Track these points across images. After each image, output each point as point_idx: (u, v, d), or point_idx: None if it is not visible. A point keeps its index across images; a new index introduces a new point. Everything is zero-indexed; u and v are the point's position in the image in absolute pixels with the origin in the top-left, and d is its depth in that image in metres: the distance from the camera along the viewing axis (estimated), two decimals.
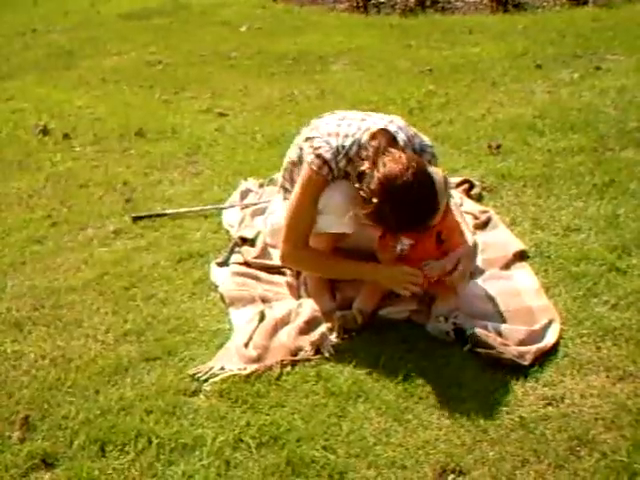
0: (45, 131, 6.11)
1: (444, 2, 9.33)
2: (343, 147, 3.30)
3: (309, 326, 3.31)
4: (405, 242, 3.29)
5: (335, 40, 8.38)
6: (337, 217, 3.30)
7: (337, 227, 3.33)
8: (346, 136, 3.32)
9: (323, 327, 3.28)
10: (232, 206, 4.44)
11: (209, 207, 4.50)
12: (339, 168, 3.31)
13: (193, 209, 4.50)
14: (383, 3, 9.56)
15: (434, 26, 8.70)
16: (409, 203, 3.06)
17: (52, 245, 4.27)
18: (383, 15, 9.36)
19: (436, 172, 3.22)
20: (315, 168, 3.30)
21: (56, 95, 7.24)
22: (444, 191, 3.23)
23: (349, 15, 9.54)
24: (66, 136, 5.99)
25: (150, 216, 4.47)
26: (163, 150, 5.58)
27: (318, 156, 3.30)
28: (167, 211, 4.51)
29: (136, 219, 4.45)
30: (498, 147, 5.05)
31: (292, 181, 3.54)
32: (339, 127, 3.37)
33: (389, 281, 3.35)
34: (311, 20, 9.41)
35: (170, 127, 6.05)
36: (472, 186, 4.45)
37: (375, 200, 3.06)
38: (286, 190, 3.60)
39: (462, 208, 4.14)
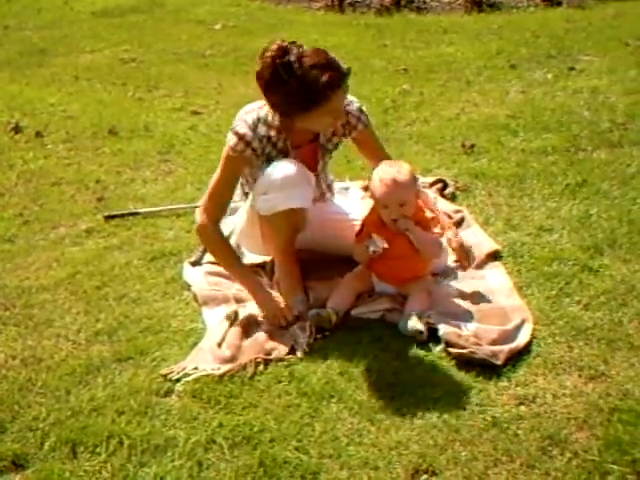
0: (17, 129, 6.05)
1: (419, 2, 9.34)
2: (259, 119, 3.39)
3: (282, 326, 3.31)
4: (378, 243, 3.29)
5: (310, 38, 8.32)
6: (283, 194, 3.30)
7: (286, 203, 3.33)
8: (261, 108, 3.41)
9: (296, 327, 3.28)
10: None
11: (182, 206, 4.48)
12: (260, 137, 3.36)
13: (166, 208, 4.48)
14: (359, 2, 9.55)
15: (409, 26, 8.71)
16: (310, 63, 3.21)
17: (23, 244, 4.23)
18: (358, 14, 9.36)
19: (403, 165, 3.36)
20: (232, 145, 3.37)
21: (28, 93, 7.17)
22: (414, 181, 3.33)
23: (324, 14, 9.53)
24: (38, 134, 5.94)
25: (122, 215, 4.44)
26: (136, 148, 5.55)
27: (235, 133, 3.36)
28: (139, 210, 4.49)
29: (108, 218, 4.42)
30: (472, 147, 5.07)
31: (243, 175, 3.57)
32: (255, 104, 3.46)
33: (261, 308, 3.40)
34: (286, 18, 9.39)
35: (143, 125, 6.01)
36: (446, 186, 4.46)
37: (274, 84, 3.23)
38: (241, 184, 3.62)
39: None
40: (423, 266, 3.45)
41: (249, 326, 3.29)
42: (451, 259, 3.68)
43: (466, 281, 3.55)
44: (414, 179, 3.38)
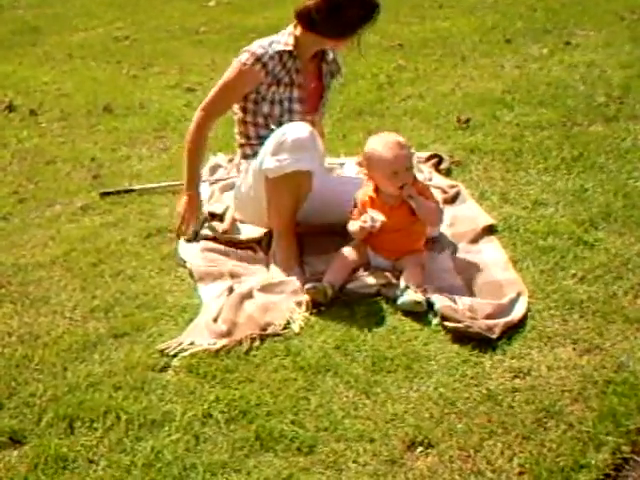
0: (11, 108, 6.04)
1: None
2: (272, 41, 3.62)
3: (278, 300, 3.30)
4: (376, 218, 3.30)
5: None
6: (293, 155, 3.36)
7: (295, 165, 3.38)
8: (270, 37, 3.66)
9: (292, 301, 3.28)
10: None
11: (177, 183, 4.46)
12: (273, 53, 3.57)
13: (161, 184, 4.47)
14: None
15: (404, 0, 8.66)
16: None
17: (19, 222, 4.23)
18: None
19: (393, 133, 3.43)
20: (243, 60, 3.58)
21: (22, 71, 7.15)
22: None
23: None
24: (32, 112, 5.93)
25: (118, 192, 4.44)
26: (131, 126, 5.54)
27: (247, 50, 3.59)
28: (135, 187, 4.49)
29: (104, 195, 4.42)
30: (467, 121, 5.06)
31: (243, 135, 3.73)
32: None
33: (178, 204, 3.77)
34: None
35: (138, 103, 6.00)
36: (441, 160, 4.46)
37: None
38: (242, 146, 3.75)
39: (431, 182, 4.14)
40: (418, 238, 3.46)
41: (245, 301, 3.29)
42: (449, 232, 3.69)
43: (461, 255, 3.56)
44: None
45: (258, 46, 3.58)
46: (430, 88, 5.84)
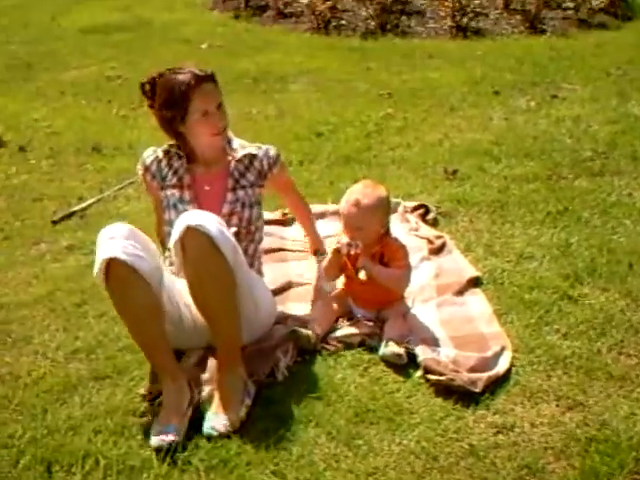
0: (0, 143, 6.03)
1: (405, 26, 9.37)
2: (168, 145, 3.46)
3: (264, 348, 3.28)
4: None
5: (295, 60, 8.38)
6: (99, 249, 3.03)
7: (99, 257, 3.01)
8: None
9: (278, 350, 3.25)
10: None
11: (116, 188, 4.98)
12: (159, 154, 3.42)
13: (103, 195, 4.95)
14: (344, 25, 9.58)
15: (394, 50, 8.74)
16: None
17: (3, 259, 4.21)
18: (344, 37, 9.38)
19: (377, 189, 3.37)
20: (138, 171, 3.50)
21: (13, 107, 7.15)
22: (380, 208, 3.33)
23: (310, 36, 9.54)
24: (22, 149, 5.92)
25: (68, 216, 4.69)
26: (119, 166, 5.53)
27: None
28: (77, 207, 4.80)
29: (55, 223, 4.63)
30: (454, 172, 5.08)
31: None
32: None
33: None
34: (272, 40, 9.40)
35: (127, 143, 6.00)
36: (428, 211, 4.47)
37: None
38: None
39: (417, 233, 4.16)
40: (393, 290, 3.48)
41: None
42: (434, 283, 3.70)
43: (446, 307, 3.56)
44: (381, 206, 3.35)
45: (150, 150, 3.46)
46: (418, 138, 5.87)
